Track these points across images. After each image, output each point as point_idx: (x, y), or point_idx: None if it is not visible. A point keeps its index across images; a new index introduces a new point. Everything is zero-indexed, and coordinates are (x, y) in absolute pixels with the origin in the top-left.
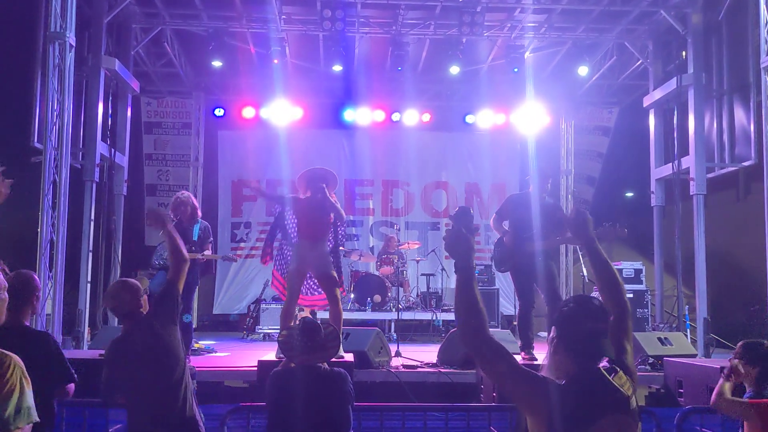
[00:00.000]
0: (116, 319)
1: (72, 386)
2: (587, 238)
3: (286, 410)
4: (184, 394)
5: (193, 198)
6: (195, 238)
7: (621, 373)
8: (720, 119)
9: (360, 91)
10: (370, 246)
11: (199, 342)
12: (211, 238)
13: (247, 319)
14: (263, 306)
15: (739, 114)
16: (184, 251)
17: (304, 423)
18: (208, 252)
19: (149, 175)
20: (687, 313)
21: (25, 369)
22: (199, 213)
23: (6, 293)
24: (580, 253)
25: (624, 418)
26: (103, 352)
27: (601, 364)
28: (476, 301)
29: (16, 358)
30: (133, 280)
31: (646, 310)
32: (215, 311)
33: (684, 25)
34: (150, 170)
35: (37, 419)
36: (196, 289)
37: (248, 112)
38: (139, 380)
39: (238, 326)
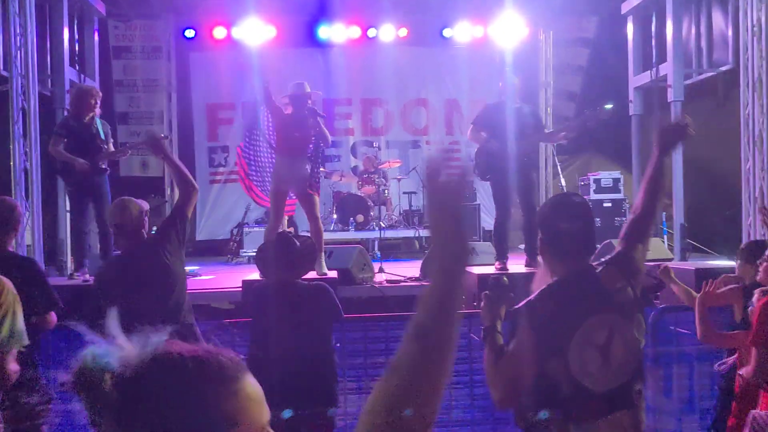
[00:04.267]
0: (98, 247)
1: (54, 315)
2: (669, 146)
3: (267, 325)
4: (186, 315)
5: (99, 92)
6: (102, 135)
7: (610, 267)
8: (698, 24)
9: (334, 7)
10: (352, 166)
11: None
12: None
13: (231, 243)
14: (246, 230)
15: (717, 18)
16: (193, 180)
17: (283, 336)
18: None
19: (120, 102)
20: (664, 219)
21: (16, 293)
22: (98, 110)
23: None
24: (559, 166)
25: (611, 316)
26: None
27: (599, 259)
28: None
29: (7, 282)
30: (137, 200)
31: (624, 218)
32: (198, 237)
33: None
34: (120, 98)
35: (28, 342)
36: None
37: (220, 33)
38: (137, 302)
39: (222, 251)
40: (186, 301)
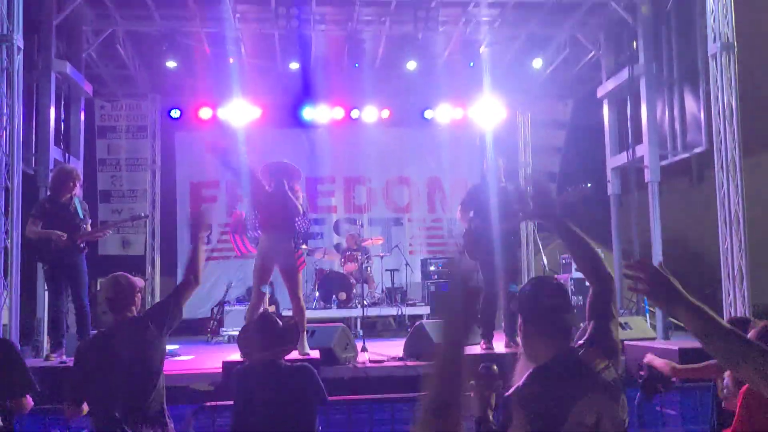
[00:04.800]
0: (75, 327)
1: (30, 399)
2: (553, 211)
3: (249, 408)
4: (156, 398)
5: (79, 172)
6: (81, 214)
7: (591, 348)
8: (671, 107)
9: (318, 89)
10: (334, 243)
11: None
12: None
13: (211, 321)
14: (227, 308)
15: (690, 102)
16: (200, 274)
17: (266, 420)
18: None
19: (102, 181)
20: (646, 298)
21: None
22: (78, 190)
23: None
24: (540, 244)
25: (599, 396)
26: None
27: (577, 342)
28: None
29: None
30: (132, 277)
31: None
32: None
33: (634, 16)
34: (103, 176)
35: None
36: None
37: (205, 113)
38: (114, 378)
39: (201, 330)
40: (160, 386)
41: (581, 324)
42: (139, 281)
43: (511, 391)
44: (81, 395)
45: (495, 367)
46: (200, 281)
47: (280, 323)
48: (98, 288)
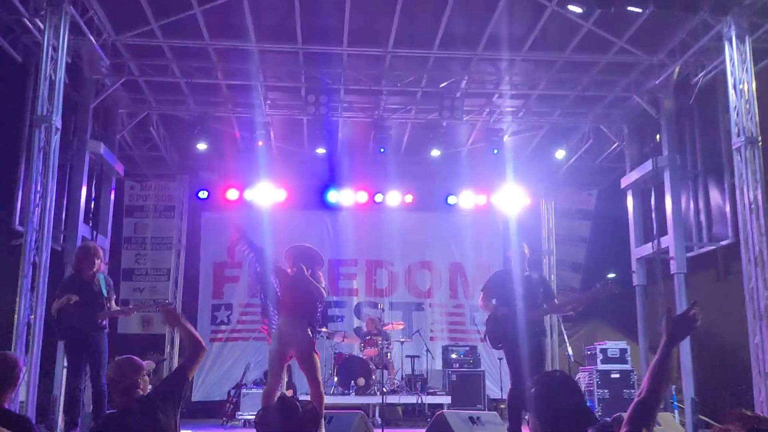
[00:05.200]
0: (91, 406)
1: None
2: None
3: None
4: None
5: (100, 249)
6: (105, 292)
7: None
8: (696, 199)
9: (343, 173)
10: (354, 327)
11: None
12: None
13: (227, 405)
14: (244, 391)
15: (715, 194)
16: (202, 340)
17: None
18: (114, 305)
19: (126, 259)
20: (674, 393)
21: None
22: (103, 266)
23: None
24: (565, 334)
25: None
26: None
27: None
28: None
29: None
30: (138, 360)
31: (632, 390)
32: (194, 398)
33: (657, 109)
34: (128, 254)
35: None
36: None
37: (232, 195)
38: None
39: (217, 413)
40: None
41: (601, 419)
42: (144, 363)
43: None
44: None
45: None
46: (205, 348)
47: (300, 409)
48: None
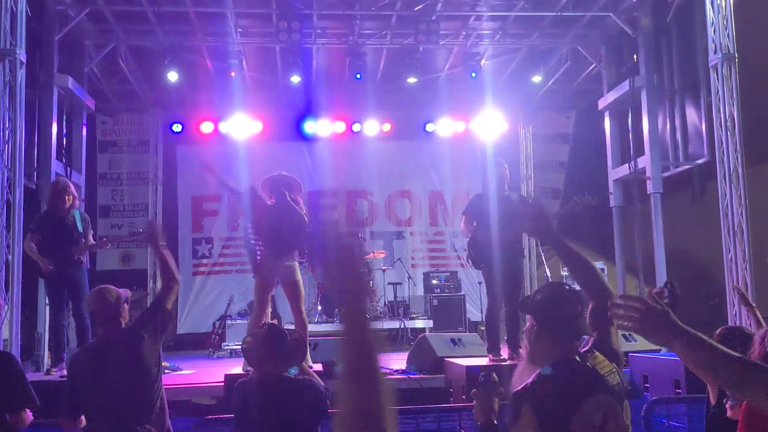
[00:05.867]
0: (76, 341)
1: (29, 413)
2: (547, 231)
3: (252, 421)
4: (156, 410)
5: (71, 185)
6: (80, 227)
7: (596, 353)
8: (672, 119)
9: (320, 103)
10: None
11: (164, 361)
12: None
13: (213, 336)
14: (229, 322)
15: (691, 113)
16: (177, 273)
17: None
18: (91, 240)
19: (102, 195)
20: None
21: None
22: (77, 203)
23: None
24: (543, 256)
25: (605, 398)
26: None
27: (582, 348)
28: None
29: None
30: (116, 289)
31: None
32: (179, 331)
33: (634, 29)
34: (103, 190)
35: None
36: None
37: (207, 127)
38: (110, 392)
39: (203, 344)
40: (159, 397)
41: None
42: (124, 291)
43: (520, 387)
44: (76, 408)
45: (495, 376)
46: (178, 279)
47: (288, 336)
48: None
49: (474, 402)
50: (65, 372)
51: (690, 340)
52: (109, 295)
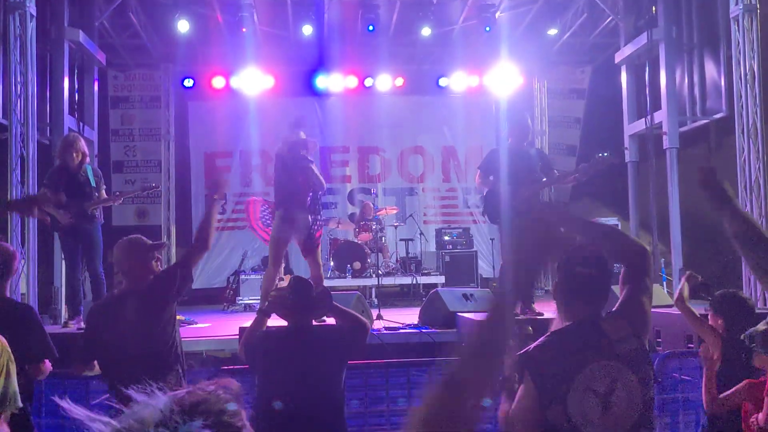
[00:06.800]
0: (91, 295)
1: (48, 364)
2: (567, 217)
3: (279, 369)
4: (171, 363)
5: (81, 140)
6: (92, 182)
7: (615, 317)
8: (691, 73)
9: (332, 58)
10: (349, 213)
11: (179, 315)
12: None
13: (227, 291)
14: (243, 277)
15: (710, 67)
16: (210, 241)
17: (294, 382)
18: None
19: (115, 151)
20: (663, 266)
21: (10, 351)
22: (88, 159)
23: None
24: None
25: (613, 364)
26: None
27: (604, 311)
28: None
29: (2, 339)
30: (146, 241)
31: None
32: (195, 286)
33: None
34: (116, 146)
35: (21, 405)
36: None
37: (218, 82)
38: (125, 343)
39: (218, 299)
40: (175, 350)
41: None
42: (160, 244)
43: (522, 351)
44: (90, 356)
45: (530, 328)
46: (209, 247)
47: (314, 289)
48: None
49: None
50: (82, 325)
51: (738, 213)
52: (137, 247)
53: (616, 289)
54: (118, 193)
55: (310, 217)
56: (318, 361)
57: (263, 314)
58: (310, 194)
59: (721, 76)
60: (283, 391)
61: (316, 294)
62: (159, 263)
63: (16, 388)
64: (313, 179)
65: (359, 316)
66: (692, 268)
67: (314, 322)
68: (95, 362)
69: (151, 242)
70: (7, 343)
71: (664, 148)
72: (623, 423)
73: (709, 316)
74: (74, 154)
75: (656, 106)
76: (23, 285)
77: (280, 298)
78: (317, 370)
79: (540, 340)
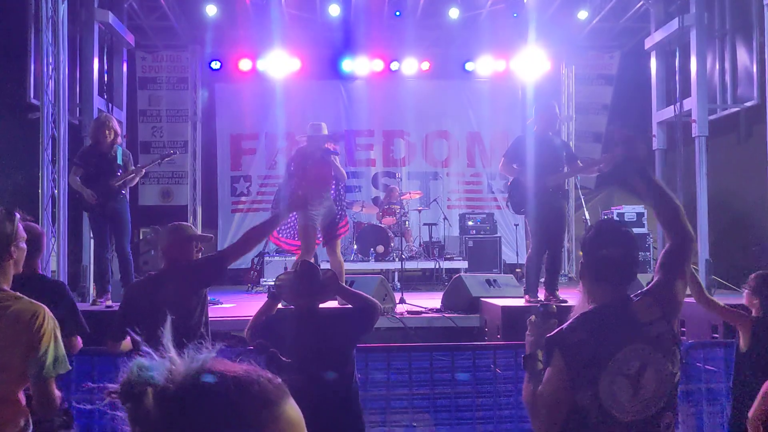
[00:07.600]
0: (119, 274)
1: (80, 340)
2: (639, 160)
3: (282, 354)
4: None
5: (114, 120)
6: (120, 161)
7: (647, 298)
8: (722, 60)
9: (358, 41)
10: (372, 197)
11: None
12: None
13: (252, 272)
14: (267, 258)
15: (742, 54)
16: (255, 246)
17: (299, 366)
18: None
19: (143, 132)
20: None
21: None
22: (119, 139)
23: (25, 243)
24: (582, 199)
25: (643, 347)
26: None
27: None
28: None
29: (45, 308)
30: (192, 232)
31: (648, 253)
32: None
33: None
34: (144, 127)
35: (70, 367)
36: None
37: (245, 65)
38: (155, 322)
39: (242, 280)
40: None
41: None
42: (207, 236)
43: (554, 332)
44: (122, 333)
45: (554, 307)
46: (252, 249)
47: (321, 275)
48: (140, 237)
49: (527, 331)
50: (110, 302)
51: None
52: (182, 235)
53: (641, 277)
54: (139, 165)
55: (335, 209)
56: (324, 345)
57: (272, 298)
58: (333, 185)
59: (753, 63)
60: (289, 375)
61: (322, 279)
62: (200, 253)
63: (64, 352)
64: (335, 171)
65: (369, 297)
66: (719, 257)
67: (321, 305)
68: (128, 339)
69: (199, 233)
70: (49, 311)
71: (693, 136)
72: (650, 405)
73: (745, 296)
74: (107, 132)
75: (686, 93)
76: (53, 263)
77: (287, 282)
78: (323, 353)
79: (570, 321)
